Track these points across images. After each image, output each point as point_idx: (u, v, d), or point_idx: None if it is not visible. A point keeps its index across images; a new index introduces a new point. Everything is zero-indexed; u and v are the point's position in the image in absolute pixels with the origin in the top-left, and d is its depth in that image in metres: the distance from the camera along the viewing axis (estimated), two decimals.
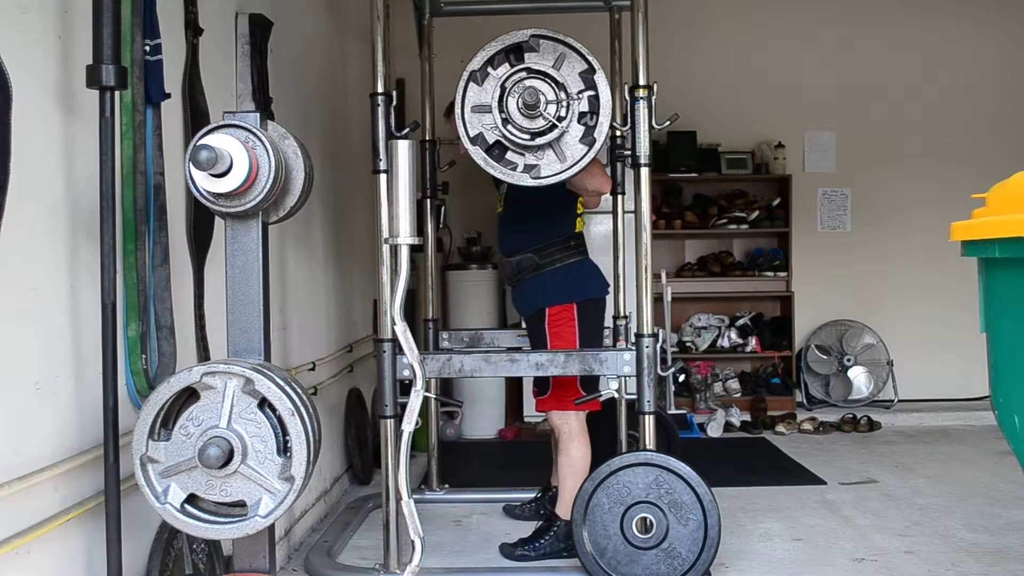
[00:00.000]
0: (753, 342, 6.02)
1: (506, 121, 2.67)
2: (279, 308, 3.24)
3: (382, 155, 2.97)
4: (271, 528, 1.97)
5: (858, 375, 5.96)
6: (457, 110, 2.74)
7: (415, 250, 2.53)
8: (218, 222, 2.28)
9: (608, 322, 3.90)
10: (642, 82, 2.94)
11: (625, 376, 2.98)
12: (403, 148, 2.36)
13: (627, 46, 3.17)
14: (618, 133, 3.63)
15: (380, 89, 3.00)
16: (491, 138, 2.71)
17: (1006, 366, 1.74)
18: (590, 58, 2.69)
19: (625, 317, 3.93)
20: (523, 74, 2.68)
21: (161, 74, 2.16)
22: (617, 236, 3.90)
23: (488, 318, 5.49)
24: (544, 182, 2.72)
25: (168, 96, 2.20)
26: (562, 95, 2.66)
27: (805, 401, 5.98)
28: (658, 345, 2.99)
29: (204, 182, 1.87)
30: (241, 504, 1.86)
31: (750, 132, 6.14)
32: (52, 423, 1.82)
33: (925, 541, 3.36)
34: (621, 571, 2.80)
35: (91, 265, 1.91)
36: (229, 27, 2.89)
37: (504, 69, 2.71)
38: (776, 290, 6.11)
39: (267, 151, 1.89)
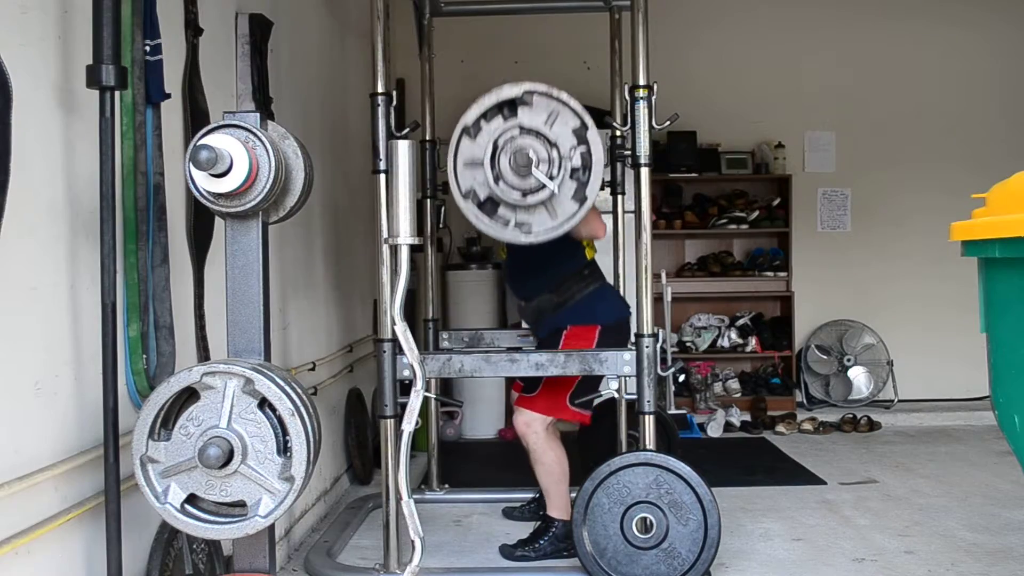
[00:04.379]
0: (753, 342, 6.02)
1: (498, 178, 2.66)
2: (279, 308, 3.24)
3: (382, 155, 2.97)
4: (271, 528, 1.97)
5: (858, 375, 5.96)
6: (449, 164, 2.72)
7: (415, 250, 2.53)
8: (218, 222, 2.28)
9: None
10: (642, 82, 2.94)
11: (625, 376, 2.98)
12: (403, 148, 2.36)
13: (627, 46, 3.17)
14: (618, 133, 3.63)
15: (380, 89, 3.00)
16: (483, 194, 2.71)
17: (1006, 366, 1.74)
18: (583, 115, 2.67)
19: None
20: (516, 131, 2.67)
21: (161, 74, 2.16)
22: (617, 236, 3.91)
23: (488, 318, 5.49)
24: (536, 240, 2.72)
25: (168, 96, 2.20)
26: (554, 153, 2.65)
27: (805, 401, 5.98)
28: (658, 345, 2.99)
29: (204, 182, 1.87)
30: (241, 504, 1.86)
31: (750, 132, 6.14)
32: (52, 423, 1.82)
33: (925, 541, 3.36)
34: (621, 571, 2.80)
35: (91, 265, 1.92)
36: (229, 27, 2.89)
37: (497, 123, 2.69)
38: (776, 290, 6.11)
39: (267, 151, 1.89)
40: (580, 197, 2.69)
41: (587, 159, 2.68)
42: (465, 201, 2.70)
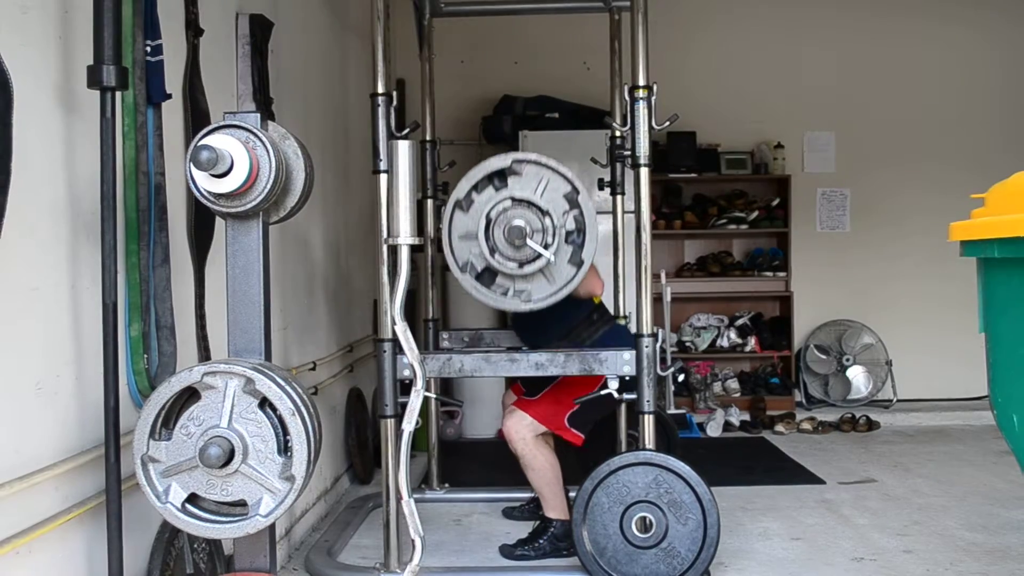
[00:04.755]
0: (752, 342, 6.03)
1: (493, 251, 2.68)
2: (279, 308, 3.24)
3: (382, 155, 2.97)
4: (272, 527, 1.98)
5: (857, 375, 5.97)
6: (444, 238, 2.75)
7: (415, 250, 2.53)
8: (219, 222, 2.28)
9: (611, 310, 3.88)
10: (641, 82, 2.94)
11: (625, 376, 2.98)
12: (403, 148, 2.36)
13: (627, 46, 3.17)
14: (618, 133, 3.64)
15: (380, 89, 3.01)
16: (480, 265, 2.73)
17: (1005, 366, 1.74)
18: (573, 180, 2.70)
19: (625, 317, 3.94)
20: (507, 203, 2.68)
21: (162, 74, 2.16)
22: (617, 236, 3.92)
23: (488, 318, 5.48)
24: (536, 307, 2.74)
25: (169, 96, 2.20)
26: (548, 222, 2.66)
27: (804, 401, 5.98)
28: (658, 345, 2.99)
29: (205, 182, 1.88)
30: (242, 503, 1.86)
31: (749, 132, 6.14)
32: (53, 423, 1.82)
33: (924, 540, 3.36)
34: (621, 570, 2.81)
35: (92, 265, 1.92)
36: (230, 27, 2.89)
37: (488, 194, 2.71)
38: (775, 290, 6.12)
39: (268, 151, 1.89)
40: (577, 261, 2.71)
41: (580, 221, 2.70)
42: (463, 274, 2.73)
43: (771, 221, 6.01)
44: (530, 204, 2.67)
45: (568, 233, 2.70)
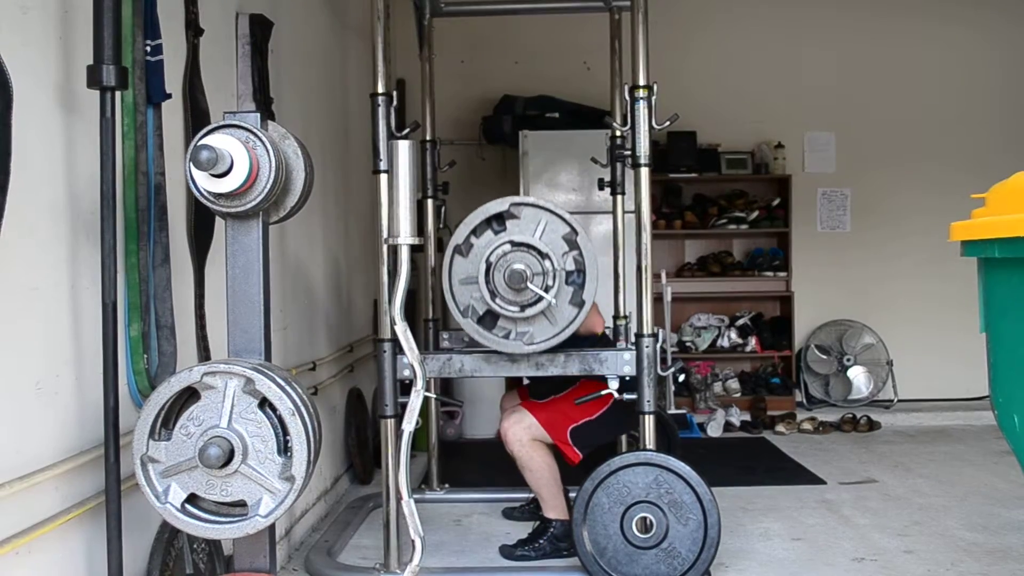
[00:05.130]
0: (753, 342, 6.02)
1: (494, 294, 2.69)
2: (279, 308, 3.24)
3: (382, 155, 2.98)
4: (271, 528, 1.97)
5: (858, 375, 5.96)
6: (445, 283, 2.76)
7: (415, 250, 2.53)
8: (219, 222, 2.28)
9: (608, 323, 3.90)
10: (642, 82, 2.94)
11: (625, 376, 2.98)
12: (403, 148, 2.36)
13: (627, 46, 3.17)
14: (618, 133, 3.64)
15: (380, 89, 3.01)
16: (481, 308, 2.74)
17: (1006, 366, 1.74)
18: (571, 222, 2.71)
19: (625, 317, 3.94)
20: (507, 247, 2.70)
21: (162, 74, 2.16)
22: (617, 236, 3.91)
23: None
24: (538, 348, 2.75)
25: (169, 96, 2.20)
26: (548, 264, 2.67)
27: (805, 401, 5.98)
28: (658, 345, 2.99)
29: (205, 182, 1.87)
30: (242, 504, 1.86)
31: (750, 132, 6.14)
32: (53, 423, 1.82)
33: (924, 540, 3.36)
34: (621, 571, 2.81)
35: (92, 265, 1.92)
36: (230, 27, 2.89)
37: (488, 237, 2.73)
38: (776, 290, 6.12)
39: (267, 151, 1.89)
40: (578, 301, 2.73)
41: (580, 262, 2.71)
42: (465, 319, 2.74)
43: (771, 221, 6.01)
44: (529, 247, 2.69)
45: (568, 274, 2.72)
